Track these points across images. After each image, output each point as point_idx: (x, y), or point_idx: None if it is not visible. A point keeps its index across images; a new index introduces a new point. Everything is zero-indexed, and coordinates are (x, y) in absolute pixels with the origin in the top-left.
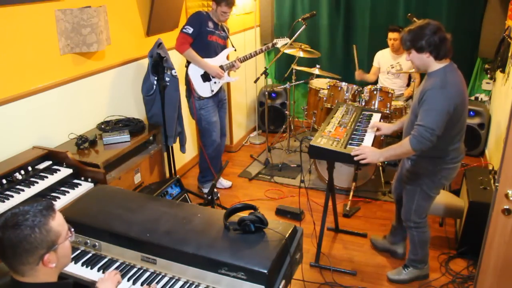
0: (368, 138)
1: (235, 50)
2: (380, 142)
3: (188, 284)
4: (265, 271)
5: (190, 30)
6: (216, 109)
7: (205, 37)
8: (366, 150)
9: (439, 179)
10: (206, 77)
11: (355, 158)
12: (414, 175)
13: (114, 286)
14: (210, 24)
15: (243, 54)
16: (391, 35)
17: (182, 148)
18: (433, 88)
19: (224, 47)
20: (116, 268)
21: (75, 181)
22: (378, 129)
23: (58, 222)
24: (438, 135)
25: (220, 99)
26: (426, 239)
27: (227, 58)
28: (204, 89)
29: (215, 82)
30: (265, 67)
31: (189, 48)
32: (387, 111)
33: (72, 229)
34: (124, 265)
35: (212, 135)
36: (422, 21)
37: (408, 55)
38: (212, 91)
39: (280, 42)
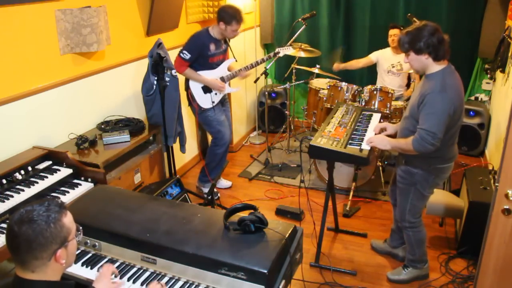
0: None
1: (236, 60)
2: None
3: (188, 284)
4: (265, 271)
5: (187, 56)
6: (222, 109)
7: (206, 60)
8: (376, 136)
9: (433, 179)
10: (207, 89)
11: (365, 140)
12: (408, 174)
13: (109, 282)
14: (212, 47)
15: (243, 55)
16: (392, 31)
17: (182, 148)
18: (433, 91)
19: (225, 59)
20: (116, 268)
21: (75, 181)
22: (382, 130)
23: (69, 219)
24: (440, 138)
25: (222, 100)
26: (422, 238)
27: (228, 69)
28: (205, 101)
29: (215, 94)
30: (265, 67)
31: (187, 69)
32: (387, 111)
33: (81, 228)
34: (124, 265)
35: (224, 136)
36: (420, 23)
37: (406, 58)
38: (213, 102)
39: (283, 52)
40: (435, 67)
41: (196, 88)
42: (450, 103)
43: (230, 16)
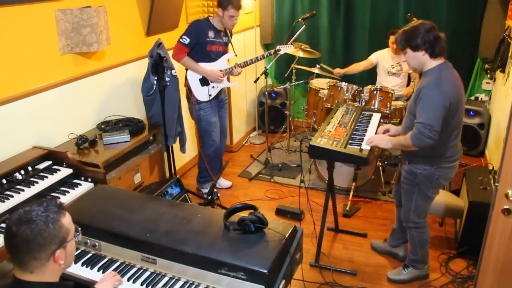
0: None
1: (236, 55)
2: None
3: (188, 284)
4: (265, 271)
5: (186, 40)
6: (216, 110)
7: (204, 47)
8: (377, 136)
9: (436, 179)
10: (204, 81)
11: (366, 140)
12: (411, 175)
13: (112, 287)
14: (211, 34)
15: (243, 55)
16: (393, 38)
17: (182, 148)
18: (428, 85)
19: (225, 52)
20: (116, 268)
21: (75, 181)
22: (386, 131)
23: (68, 220)
24: (438, 131)
25: (221, 100)
26: (425, 239)
27: (228, 62)
28: (202, 93)
29: (213, 87)
30: (265, 67)
31: (185, 57)
32: (387, 111)
33: (79, 229)
34: (124, 265)
35: (211, 136)
36: (416, 22)
37: (403, 56)
38: (210, 95)
39: (284, 49)
40: (431, 63)
41: (193, 80)
42: (445, 96)
43: (226, 0)
